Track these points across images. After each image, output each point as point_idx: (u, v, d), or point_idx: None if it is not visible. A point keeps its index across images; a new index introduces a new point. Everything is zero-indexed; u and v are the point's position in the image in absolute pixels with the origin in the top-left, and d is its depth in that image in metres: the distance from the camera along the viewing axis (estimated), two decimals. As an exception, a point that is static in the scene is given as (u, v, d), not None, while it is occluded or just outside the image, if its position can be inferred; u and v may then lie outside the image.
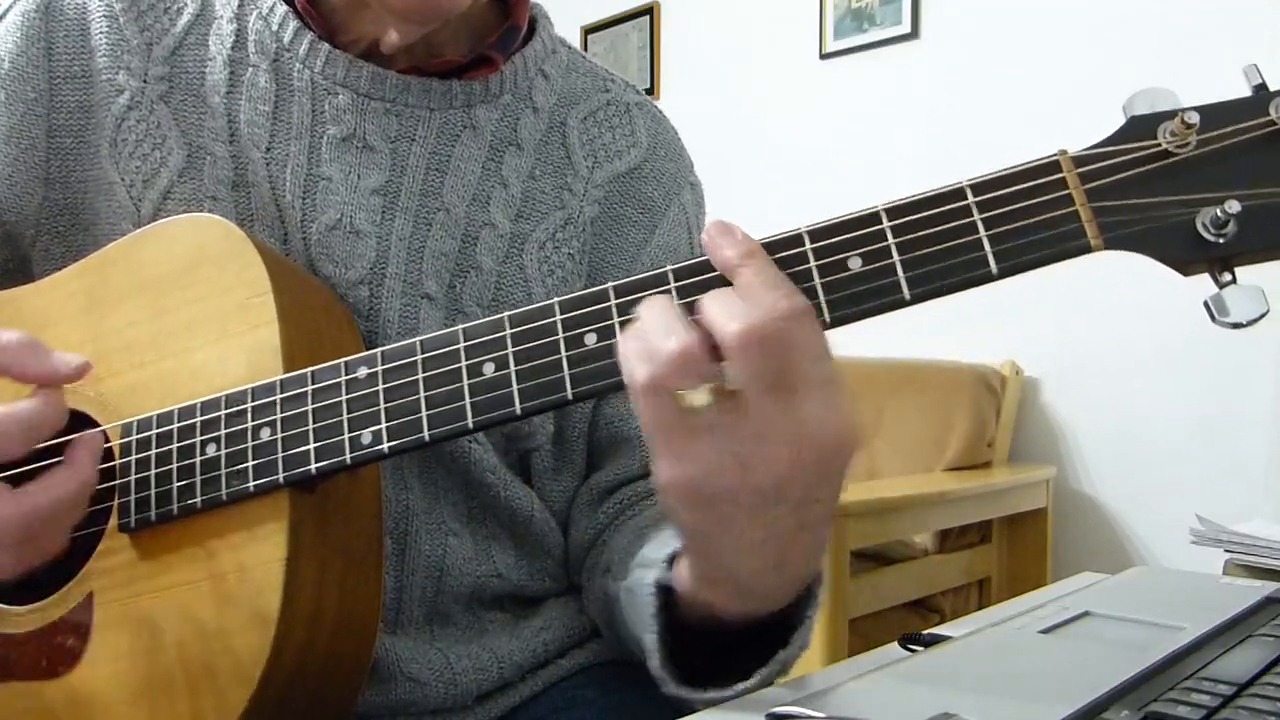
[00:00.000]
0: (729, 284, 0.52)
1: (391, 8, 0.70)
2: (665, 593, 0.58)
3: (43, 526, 0.58)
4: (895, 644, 0.61)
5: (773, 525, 0.50)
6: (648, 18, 3.57)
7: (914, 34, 2.85)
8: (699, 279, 0.53)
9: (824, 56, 3.05)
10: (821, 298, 0.51)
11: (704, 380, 0.47)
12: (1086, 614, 0.64)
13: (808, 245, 0.52)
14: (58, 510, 0.58)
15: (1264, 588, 0.69)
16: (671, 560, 0.58)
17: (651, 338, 0.49)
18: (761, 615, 0.56)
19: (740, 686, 0.55)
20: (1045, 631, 0.60)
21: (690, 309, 0.52)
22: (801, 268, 0.51)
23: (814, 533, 0.52)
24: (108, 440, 0.64)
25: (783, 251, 0.52)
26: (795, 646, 0.57)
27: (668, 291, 0.53)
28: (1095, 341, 2.46)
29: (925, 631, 0.61)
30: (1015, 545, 2.44)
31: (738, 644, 0.57)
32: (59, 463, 0.60)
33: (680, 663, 0.58)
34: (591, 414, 0.80)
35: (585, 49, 3.68)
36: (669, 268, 0.53)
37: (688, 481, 0.49)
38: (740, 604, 0.55)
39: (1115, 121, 0.52)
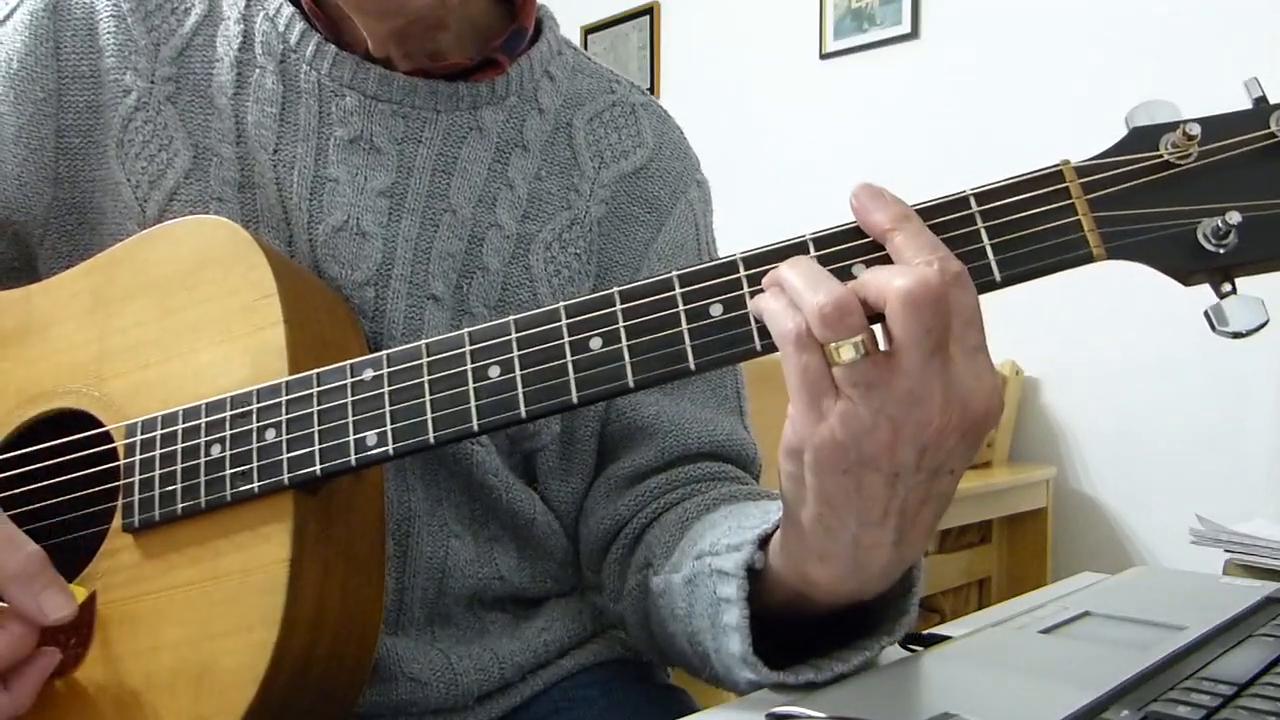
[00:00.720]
0: (735, 289, 0.52)
1: (348, 3, 0.70)
2: (751, 577, 0.56)
3: None
4: (896, 644, 0.61)
5: (902, 495, 0.49)
6: (648, 18, 3.58)
7: (914, 34, 2.86)
8: (706, 284, 0.53)
9: (824, 56, 3.06)
10: None
11: (855, 334, 0.46)
12: (1086, 614, 0.64)
13: (812, 253, 0.52)
14: None
15: (1264, 588, 0.69)
16: (763, 542, 0.57)
17: (802, 292, 0.48)
18: (854, 600, 0.55)
19: (841, 669, 0.54)
20: (1045, 631, 0.60)
21: (699, 314, 0.53)
22: None
23: (936, 508, 0.51)
24: (112, 440, 0.64)
25: (788, 258, 0.52)
26: (899, 633, 0.57)
27: (673, 296, 0.53)
28: (1095, 342, 2.46)
29: (925, 631, 0.61)
30: (1015, 545, 2.45)
31: (809, 634, 0.57)
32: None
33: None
34: (603, 411, 0.79)
35: (585, 49, 3.68)
36: (674, 272, 0.54)
37: (835, 442, 0.48)
38: (843, 585, 0.53)
39: (1114, 122, 0.52)
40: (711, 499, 0.72)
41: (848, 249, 0.52)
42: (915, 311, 0.46)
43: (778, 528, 0.56)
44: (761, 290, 0.51)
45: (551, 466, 0.79)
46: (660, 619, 0.68)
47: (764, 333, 0.52)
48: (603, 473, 0.79)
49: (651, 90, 3.51)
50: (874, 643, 0.56)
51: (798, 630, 0.58)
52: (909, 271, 0.46)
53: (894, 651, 0.60)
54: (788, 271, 0.49)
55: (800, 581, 0.55)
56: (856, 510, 0.50)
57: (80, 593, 0.62)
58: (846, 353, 0.46)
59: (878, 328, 0.48)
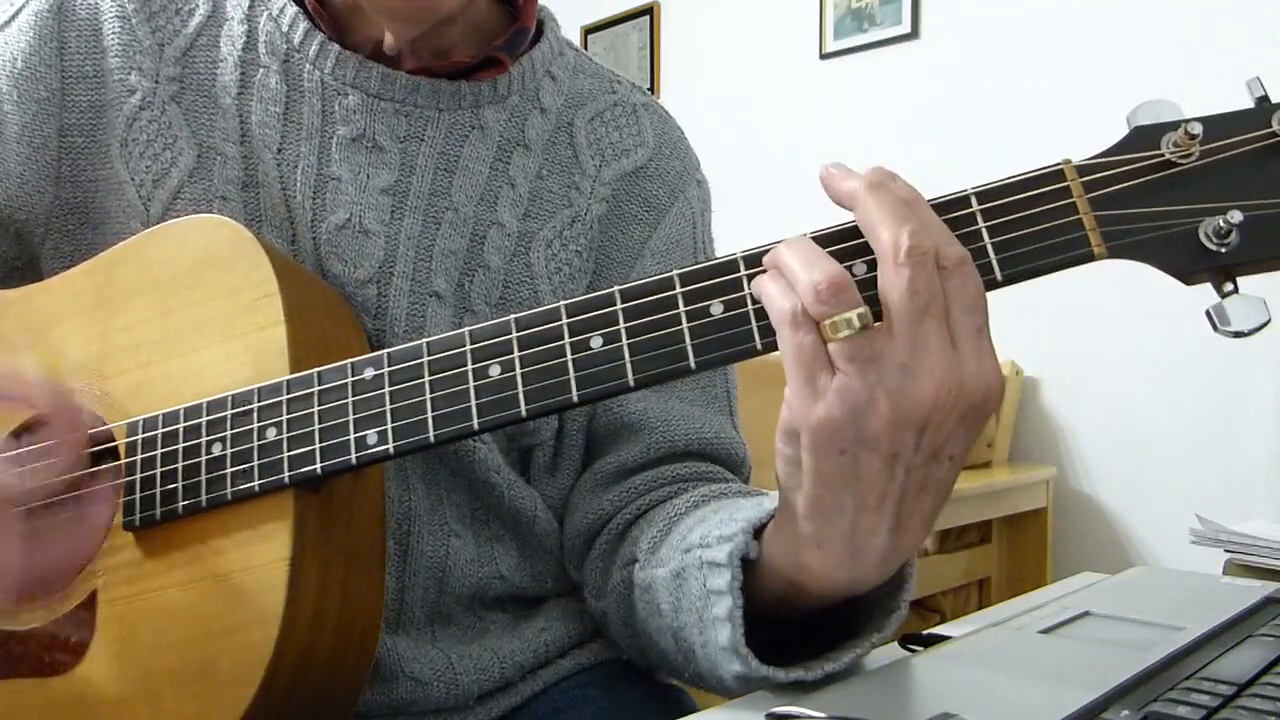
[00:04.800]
0: (737, 289, 0.52)
1: (381, 8, 0.70)
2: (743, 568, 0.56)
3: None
4: (895, 644, 0.61)
5: (902, 480, 0.49)
6: (648, 18, 3.58)
7: (914, 34, 2.86)
8: (707, 284, 0.53)
9: (824, 56, 3.06)
10: None
11: (850, 309, 0.47)
12: (1086, 614, 0.64)
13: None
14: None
15: (1264, 588, 0.69)
16: (755, 532, 0.56)
17: (798, 270, 0.48)
18: (846, 595, 0.54)
19: (831, 668, 0.53)
20: (1045, 631, 0.60)
21: (699, 314, 0.52)
22: None
23: (934, 498, 0.51)
24: (113, 439, 0.64)
25: None
26: (889, 630, 0.56)
27: (674, 296, 0.53)
28: (1095, 342, 2.46)
29: (925, 631, 0.61)
30: (1015, 545, 2.45)
31: (799, 634, 0.57)
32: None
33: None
34: (591, 407, 0.79)
35: (585, 49, 3.68)
36: (675, 271, 0.54)
37: (833, 421, 0.48)
38: (838, 573, 0.53)
39: (1115, 122, 0.52)
40: (700, 495, 0.71)
41: (849, 248, 0.52)
42: (898, 269, 0.46)
43: (772, 517, 0.56)
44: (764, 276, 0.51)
45: (545, 463, 0.79)
46: (643, 615, 0.68)
47: (764, 331, 0.51)
48: (588, 468, 0.79)
49: (651, 90, 3.51)
50: (864, 640, 0.55)
51: (787, 630, 0.57)
52: (889, 231, 0.47)
53: (894, 651, 0.60)
54: (785, 252, 0.50)
55: (795, 570, 0.54)
56: (854, 493, 0.50)
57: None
58: (842, 327, 0.47)
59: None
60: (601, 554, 0.76)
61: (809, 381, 0.48)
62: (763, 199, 2.93)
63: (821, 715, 0.46)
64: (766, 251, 0.53)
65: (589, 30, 3.78)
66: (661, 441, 0.76)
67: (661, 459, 0.77)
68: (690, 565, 0.60)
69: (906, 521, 0.51)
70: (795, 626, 0.57)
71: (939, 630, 0.63)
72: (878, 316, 0.48)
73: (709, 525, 0.61)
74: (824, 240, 0.52)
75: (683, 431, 0.77)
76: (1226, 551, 1.35)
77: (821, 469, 0.50)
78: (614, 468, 0.77)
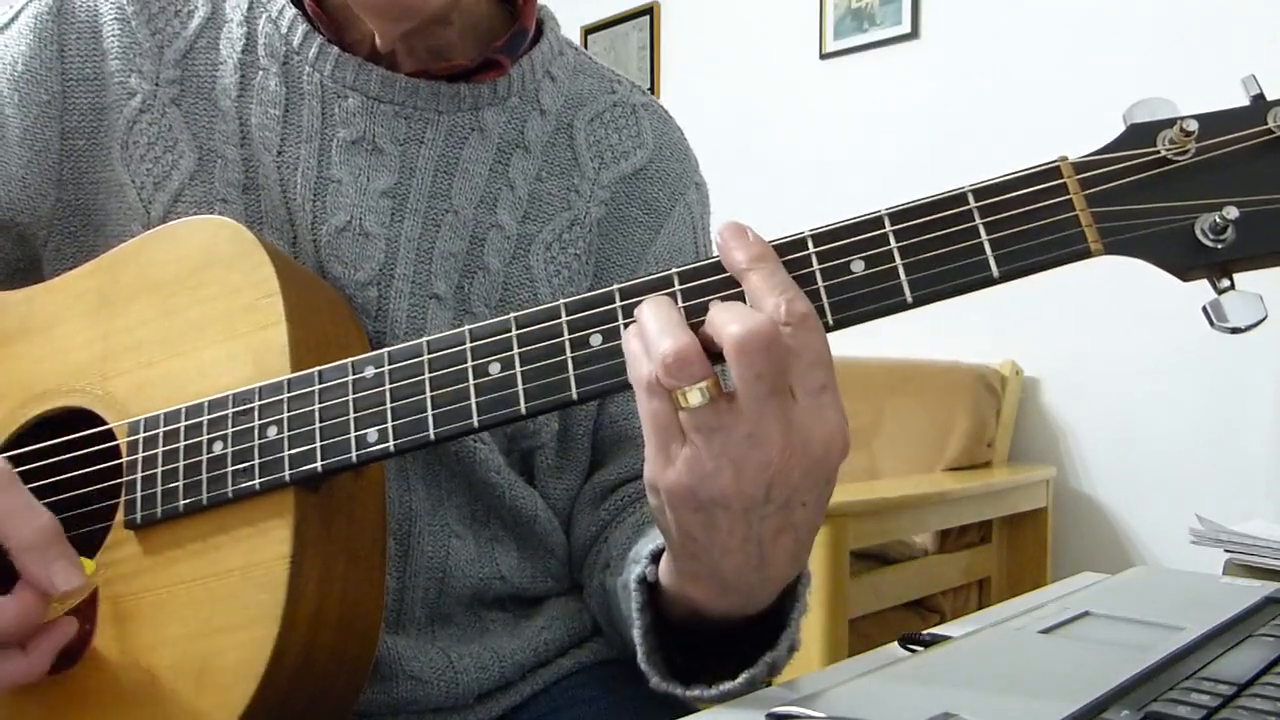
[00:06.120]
0: (734, 285, 0.52)
1: (364, 6, 0.70)
2: (649, 588, 0.59)
3: None
4: (895, 644, 0.61)
5: (756, 526, 0.50)
6: (648, 18, 3.57)
7: (914, 34, 2.86)
8: (704, 281, 0.53)
9: (824, 56, 3.05)
10: (824, 300, 0.51)
11: (700, 380, 0.48)
12: (1086, 614, 0.64)
13: (811, 249, 0.52)
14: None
15: (1264, 588, 0.69)
16: (656, 556, 0.59)
17: (653, 337, 0.49)
18: (744, 614, 0.56)
19: (727, 687, 0.55)
20: (1045, 631, 0.60)
21: (696, 311, 0.53)
22: (805, 271, 0.52)
23: (797, 535, 0.52)
24: (115, 438, 0.64)
25: (786, 255, 0.52)
26: (783, 649, 0.57)
27: (673, 293, 0.53)
28: (1095, 341, 2.46)
29: (925, 631, 0.61)
30: (1015, 545, 2.45)
31: (722, 642, 0.58)
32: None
33: (668, 657, 0.59)
34: (596, 412, 0.80)
35: (585, 49, 3.68)
36: (674, 270, 0.54)
37: (682, 486, 0.50)
38: (722, 601, 0.55)
39: (1113, 121, 0.52)
40: None
41: (845, 245, 0.52)
42: (746, 357, 0.47)
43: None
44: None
45: (549, 465, 0.79)
46: (615, 618, 0.71)
47: None
48: (590, 480, 0.81)
49: (651, 90, 3.51)
50: (761, 663, 0.57)
51: (711, 634, 0.59)
52: (742, 317, 0.48)
53: (894, 651, 0.60)
54: (646, 312, 0.51)
55: (684, 598, 0.56)
56: (713, 541, 0.51)
57: (89, 565, 0.63)
58: (692, 398, 0.48)
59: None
60: (592, 561, 0.78)
61: (662, 448, 0.50)
62: (763, 199, 2.93)
63: (821, 715, 0.46)
64: (774, 244, 0.53)
65: (589, 30, 3.78)
66: None
67: None
68: (628, 580, 0.63)
69: (772, 559, 0.52)
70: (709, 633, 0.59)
71: (939, 630, 0.63)
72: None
73: (643, 541, 0.64)
74: (821, 238, 0.52)
75: None
76: (1226, 551, 1.35)
77: (681, 522, 0.52)
78: (612, 480, 0.79)
